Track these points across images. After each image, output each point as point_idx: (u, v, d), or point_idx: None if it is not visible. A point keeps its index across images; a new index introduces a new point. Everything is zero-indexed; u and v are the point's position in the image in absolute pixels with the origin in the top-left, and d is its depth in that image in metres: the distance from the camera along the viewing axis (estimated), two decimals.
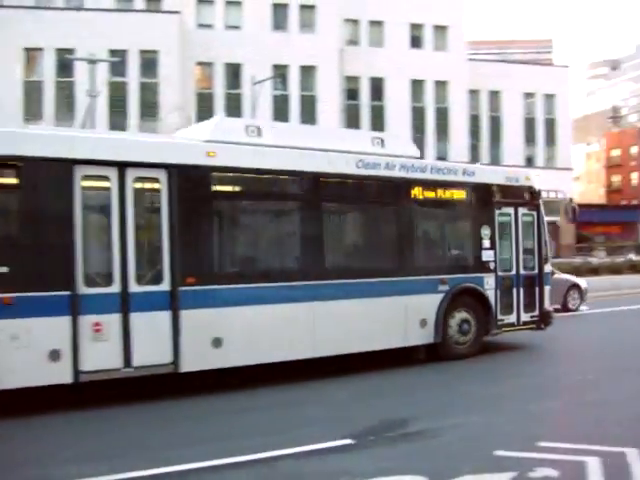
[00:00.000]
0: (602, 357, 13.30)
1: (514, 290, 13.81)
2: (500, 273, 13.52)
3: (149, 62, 40.52)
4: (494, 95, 49.82)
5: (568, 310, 21.38)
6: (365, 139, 12.96)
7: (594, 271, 30.87)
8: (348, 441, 7.44)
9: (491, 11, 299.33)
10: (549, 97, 51.94)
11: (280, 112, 42.63)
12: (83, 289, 9.19)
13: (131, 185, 9.69)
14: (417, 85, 46.23)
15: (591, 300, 23.58)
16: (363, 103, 45.77)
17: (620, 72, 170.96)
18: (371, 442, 7.49)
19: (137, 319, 9.49)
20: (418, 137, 45.39)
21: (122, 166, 9.61)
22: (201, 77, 43.56)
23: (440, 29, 47.23)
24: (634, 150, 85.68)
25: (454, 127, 46.81)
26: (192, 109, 41.14)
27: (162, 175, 9.91)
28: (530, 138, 50.91)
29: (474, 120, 48.46)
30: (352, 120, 44.20)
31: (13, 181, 9.10)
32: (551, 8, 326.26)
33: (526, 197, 14.23)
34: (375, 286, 11.85)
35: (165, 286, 9.79)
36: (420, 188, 12.64)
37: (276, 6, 43.33)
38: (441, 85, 46.81)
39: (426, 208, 13.04)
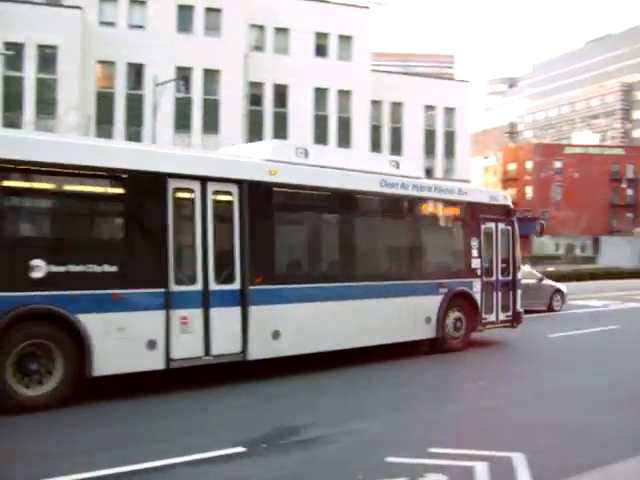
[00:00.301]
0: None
1: (494, 293, 16.27)
2: (484, 279, 15.92)
3: (47, 57, 39.30)
4: (396, 106, 50.58)
5: (553, 310, 24.88)
6: (385, 161, 15.28)
7: None
8: (240, 449, 7.35)
9: (396, 24, 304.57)
10: (449, 110, 53.09)
11: (182, 115, 42.12)
12: (174, 287, 10.52)
13: (210, 197, 11.17)
14: (320, 93, 46.46)
15: None
16: (266, 109, 45.65)
17: (517, 90, 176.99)
18: (264, 450, 7.41)
19: (215, 314, 10.94)
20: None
21: (204, 180, 11.10)
22: (102, 76, 42.48)
23: (345, 39, 47.60)
24: (529, 165, 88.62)
25: (356, 136, 47.17)
26: (91, 108, 40.16)
27: (234, 189, 11.45)
28: (430, 150, 51.91)
29: (376, 130, 49.03)
30: (255, 126, 43.98)
31: (120, 191, 10.47)
32: (454, 24, 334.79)
33: (504, 214, 16.80)
34: (394, 288, 13.94)
35: (237, 285, 11.33)
36: (427, 204, 15.20)
37: (181, 7, 42.73)
38: (344, 94, 47.18)
39: (431, 221, 15.55)
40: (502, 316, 16.50)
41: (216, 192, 11.28)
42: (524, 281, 19.05)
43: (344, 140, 46.70)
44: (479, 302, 15.75)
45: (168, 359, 10.44)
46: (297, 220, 13.43)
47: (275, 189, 12.15)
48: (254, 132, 42.11)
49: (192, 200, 11.04)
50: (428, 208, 15.27)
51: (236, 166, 11.89)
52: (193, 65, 42.56)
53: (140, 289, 10.30)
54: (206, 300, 10.90)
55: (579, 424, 9.03)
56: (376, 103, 48.96)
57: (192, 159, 11.76)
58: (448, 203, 15.56)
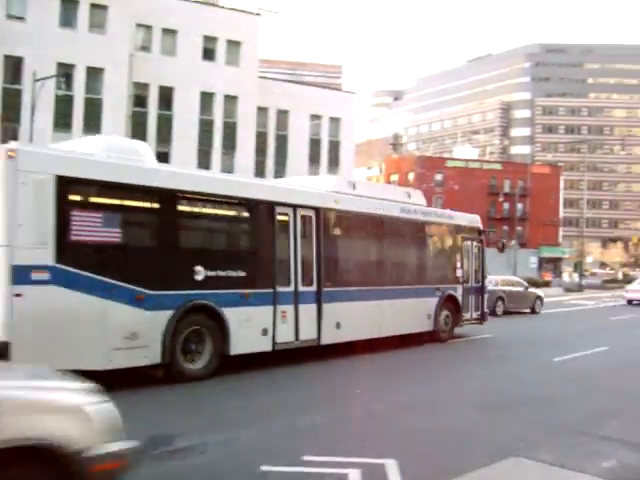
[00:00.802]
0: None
1: (469, 297, 20.92)
2: (464, 285, 20.69)
3: None
4: (282, 114, 50.66)
5: (535, 313, 32.58)
6: (401, 192, 19.79)
7: None
8: None
9: (287, 32, 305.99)
10: (335, 120, 53.60)
11: (62, 114, 40.78)
12: (278, 288, 14.14)
13: (299, 219, 14.93)
14: (207, 97, 45.98)
15: None
16: (151, 111, 44.76)
17: (402, 102, 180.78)
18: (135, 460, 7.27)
19: (301, 309, 14.64)
20: (204, 150, 45.18)
21: (295, 207, 14.85)
22: None
23: (234, 44, 47.30)
24: (411, 176, 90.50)
25: (241, 142, 47.01)
26: None
27: (313, 213, 15.31)
28: (315, 158, 52.23)
29: (261, 137, 48.95)
30: (138, 128, 43.00)
31: (247, 215, 14.16)
32: (343, 36, 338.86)
33: (476, 233, 21.72)
34: (411, 291, 18.45)
35: (314, 287, 15.12)
36: (429, 226, 19.96)
37: (65, 2, 41.34)
38: (231, 99, 46.88)
39: (431, 239, 20.38)
40: (474, 315, 21.29)
41: (302, 216, 15.05)
42: (514, 288, 29.93)
43: (229, 146, 46.47)
44: (461, 303, 20.43)
45: (274, 343, 14.01)
46: (348, 237, 17.19)
47: (338, 214, 16.35)
48: (137, 134, 41.12)
49: (287, 222, 14.73)
50: (430, 229, 20.01)
51: (315, 196, 15.65)
52: (76, 62, 41.22)
53: (259, 289, 13.83)
54: (296, 298, 14.61)
55: (454, 429, 9.34)
56: (262, 110, 48.90)
57: (288, 191, 15.36)
58: (442, 225, 20.52)
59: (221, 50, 46.88)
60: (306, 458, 7.52)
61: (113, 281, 11.26)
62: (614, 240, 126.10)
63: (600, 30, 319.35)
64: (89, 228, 11.22)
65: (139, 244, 12.41)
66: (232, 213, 14.07)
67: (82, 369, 8.27)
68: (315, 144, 52.52)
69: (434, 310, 19.24)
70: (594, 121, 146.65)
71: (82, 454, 4.48)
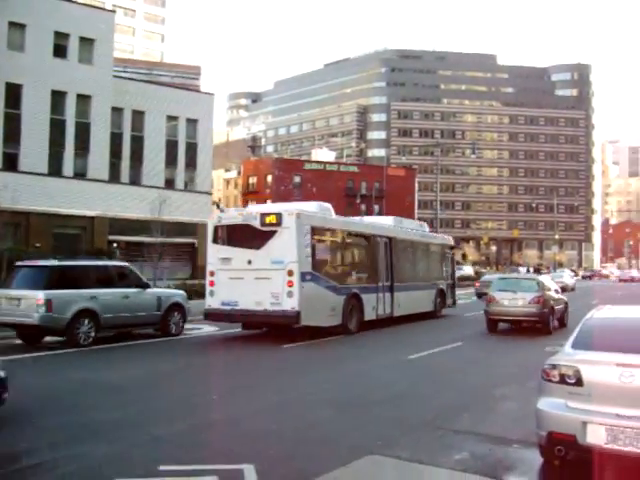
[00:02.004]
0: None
1: (448, 289, 31.04)
2: (447, 282, 31.08)
3: None
4: (138, 114, 49.43)
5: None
6: (417, 224, 31.93)
7: None
8: None
9: (144, 32, 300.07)
10: (192, 122, 52.82)
11: None
12: (378, 284, 24.19)
13: (382, 244, 25.24)
14: (58, 96, 44.07)
15: None
16: None
17: (260, 105, 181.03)
18: None
19: (386, 296, 24.63)
20: (56, 151, 43.47)
21: (381, 237, 25.40)
22: None
23: (87, 41, 45.48)
24: (270, 178, 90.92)
25: (95, 143, 45.38)
26: None
27: (386, 240, 25.55)
28: (171, 160, 51.21)
29: (116, 138, 47.47)
30: None
31: (366, 243, 24.71)
32: (201, 37, 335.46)
33: (450, 248, 32.85)
34: (423, 285, 28.40)
35: (389, 283, 25.01)
36: (431, 245, 30.85)
37: None
38: (84, 99, 45.18)
39: (431, 252, 30.76)
40: (450, 302, 31.22)
41: (385, 242, 25.42)
42: None
43: (82, 147, 44.84)
44: (445, 293, 30.56)
45: (377, 315, 23.95)
46: (400, 253, 26.72)
47: (396, 240, 26.48)
48: None
49: (379, 246, 25.09)
50: (431, 246, 30.84)
51: (389, 231, 26.61)
52: None
53: (371, 285, 23.77)
54: (383, 289, 24.58)
55: (311, 430, 9.43)
56: (117, 110, 47.50)
57: (380, 228, 26.40)
58: (436, 243, 31.62)
59: (74, 47, 44.98)
60: (162, 468, 7.37)
61: (329, 280, 21.27)
62: (467, 240, 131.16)
63: (452, 38, 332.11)
64: (321, 252, 21.61)
65: (336, 260, 22.94)
66: (363, 242, 24.62)
67: (323, 325, 20.72)
68: (172, 146, 51.55)
69: (433, 297, 29.25)
70: (447, 125, 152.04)
71: None
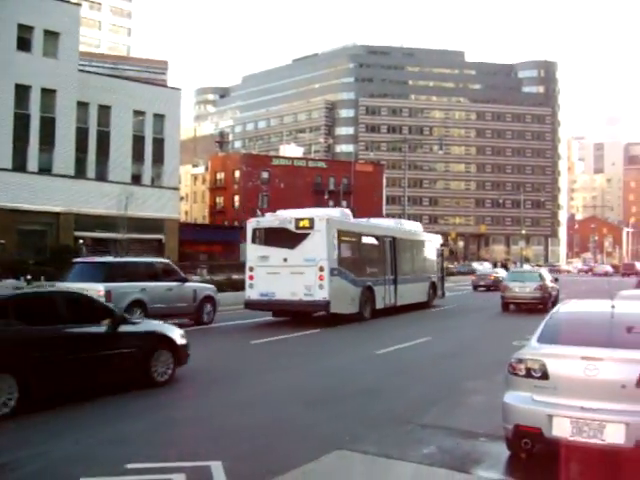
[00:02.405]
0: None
1: (439, 282, 34.02)
2: (437, 275, 34.11)
3: None
4: (104, 109, 48.94)
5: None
6: (417, 225, 35.80)
7: None
8: None
9: (111, 26, 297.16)
10: (159, 117, 52.50)
11: None
12: (386, 277, 27.45)
13: (388, 243, 28.65)
14: (22, 90, 43.37)
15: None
16: None
17: (228, 100, 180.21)
18: None
19: (390, 287, 27.79)
20: (20, 146, 42.92)
21: (387, 237, 28.82)
22: None
23: (52, 35, 44.85)
24: (237, 174, 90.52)
25: (60, 138, 44.87)
26: None
27: (390, 239, 28.89)
28: (138, 156, 50.82)
29: (82, 133, 46.91)
30: None
31: (377, 242, 28.28)
32: (168, 31, 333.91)
33: (440, 244, 35.67)
34: (419, 277, 31.39)
35: (394, 277, 28.15)
36: (422, 242, 33.45)
37: None
38: (49, 93, 44.62)
39: (423, 249, 33.28)
40: (440, 293, 34.25)
41: (389, 241, 28.62)
42: None
43: (47, 142, 44.32)
44: (437, 286, 33.71)
45: (384, 304, 26.96)
46: (402, 251, 29.80)
47: (398, 240, 29.49)
48: None
49: (386, 244, 28.30)
50: (425, 243, 33.73)
51: (392, 231, 29.86)
52: None
53: (380, 278, 26.68)
54: (389, 282, 27.57)
55: (280, 425, 9.44)
56: (83, 105, 46.98)
57: (386, 229, 29.88)
58: (428, 241, 34.27)
59: (38, 40, 44.32)
60: (130, 466, 7.32)
61: (350, 273, 24.37)
62: None
63: (421, 35, 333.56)
64: (344, 250, 24.58)
65: (355, 257, 25.67)
66: (374, 242, 27.84)
67: (344, 313, 23.93)
68: (139, 141, 51.14)
69: (427, 289, 32.39)
70: (414, 121, 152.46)
71: None
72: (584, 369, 7.11)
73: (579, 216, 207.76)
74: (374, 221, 32.21)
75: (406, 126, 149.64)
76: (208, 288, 24.50)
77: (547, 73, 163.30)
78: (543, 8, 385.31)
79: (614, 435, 6.87)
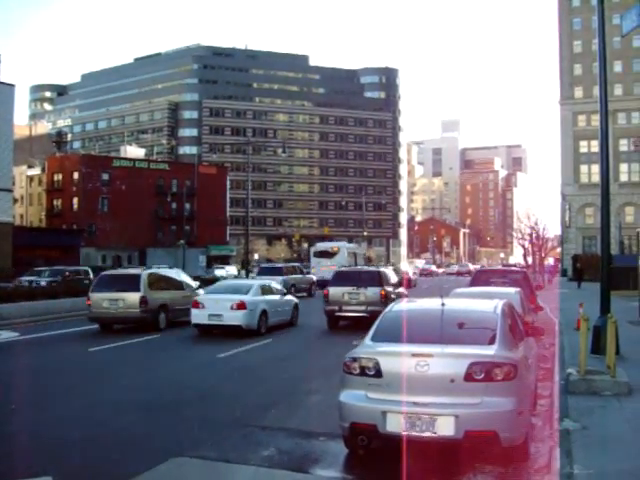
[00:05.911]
0: None
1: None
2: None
3: None
4: None
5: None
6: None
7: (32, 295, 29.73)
8: None
9: None
10: None
11: None
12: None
13: (353, 254, 59.00)
14: None
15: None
16: None
17: (67, 98, 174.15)
18: None
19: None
20: None
21: (352, 251, 59.97)
22: None
23: None
24: (76, 175, 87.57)
25: None
26: None
27: (355, 254, 60.73)
28: None
29: None
30: None
31: (337, 252, 57.59)
32: (2, 24, 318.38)
33: (362, 252, 76.65)
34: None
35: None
36: (355, 252, 62.23)
37: None
38: None
39: (357, 256, 61.35)
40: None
41: (353, 254, 58.99)
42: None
43: None
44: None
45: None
46: (354, 259, 57.09)
47: (353, 252, 60.19)
48: None
49: (352, 256, 57.50)
50: (355, 252, 60.76)
51: (353, 248, 63.13)
52: None
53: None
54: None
55: (115, 435, 9.17)
56: None
57: (351, 247, 62.42)
58: (357, 251, 65.02)
59: None
60: None
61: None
62: (278, 237, 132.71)
63: (265, 38, 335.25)
64: (351, 260, 56.23)
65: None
66: (352, 255, 58.02)
67: None
68: None
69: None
70: (259, 124, 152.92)
71: None
72: (415, 366, 7.31)
73: (419, 218, 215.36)
74: (343, 244, 61.09)
75: (250, 128, 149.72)
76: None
77: (388, 79, 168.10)
78: (384, 15, 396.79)
79: (445, 427, 7.13)
